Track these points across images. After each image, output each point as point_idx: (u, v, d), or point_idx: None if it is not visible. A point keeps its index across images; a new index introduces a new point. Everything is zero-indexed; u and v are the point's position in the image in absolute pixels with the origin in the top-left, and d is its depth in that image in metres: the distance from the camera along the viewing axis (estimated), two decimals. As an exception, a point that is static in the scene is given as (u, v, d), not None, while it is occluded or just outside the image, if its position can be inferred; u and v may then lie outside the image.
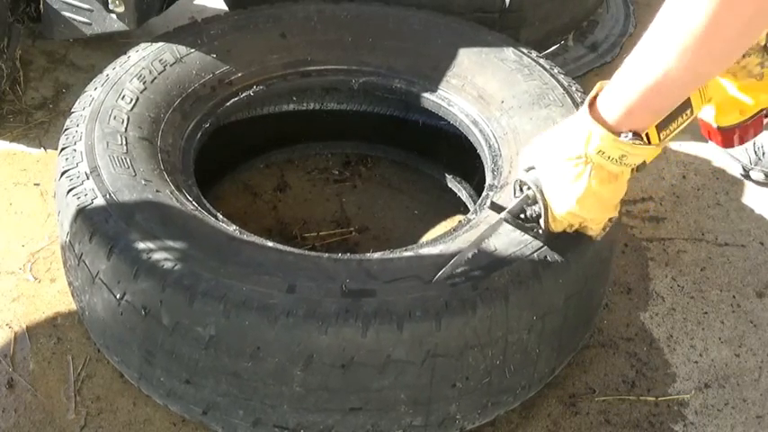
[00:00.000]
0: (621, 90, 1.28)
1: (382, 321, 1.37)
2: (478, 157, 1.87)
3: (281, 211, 2.19)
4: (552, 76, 1.89)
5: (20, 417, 1.68)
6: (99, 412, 1.69)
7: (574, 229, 1.45)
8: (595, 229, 1.46)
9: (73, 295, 1.69)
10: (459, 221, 1.67)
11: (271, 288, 1.39)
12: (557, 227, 1.44)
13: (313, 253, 1.53)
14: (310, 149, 2.31)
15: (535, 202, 1.45)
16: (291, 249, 1.51)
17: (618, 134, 1.29)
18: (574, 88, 1.88)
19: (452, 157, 2.16)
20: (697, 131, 2.57)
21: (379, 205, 2.23)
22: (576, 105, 1.80)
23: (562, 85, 1.85)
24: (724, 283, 2.08)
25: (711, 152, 2.44)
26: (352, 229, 2.15)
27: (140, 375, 1.54)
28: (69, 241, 1.55)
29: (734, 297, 2.04)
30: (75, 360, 1.77)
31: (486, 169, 1.80)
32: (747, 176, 2.38)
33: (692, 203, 2.32)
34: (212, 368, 1.43)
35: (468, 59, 1.96)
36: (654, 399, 1.79)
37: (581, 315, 1.62)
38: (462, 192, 2.14)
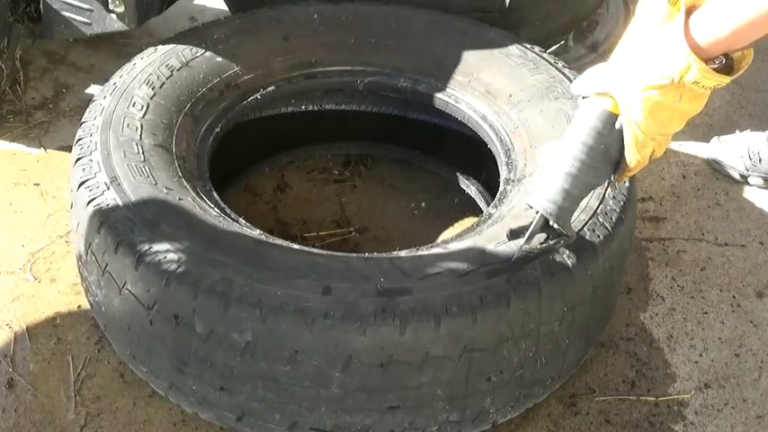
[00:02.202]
0: (726, 19, 1.20)
1: (420, 319, 1.37)
2: (489, 152, 1.88)
3: (282, 211, 2.19)
4: (558, 69, 1.90)
5: (20, 417, 1.66)
6: (99, 412, 1.68)
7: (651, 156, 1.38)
8: (663, 144, 1.38)
9: (92, 306, 1.66)
10: (481, 215, 1.68)
11: (306, 291, 1.38)
12: (639, 153, 1.36)
13: (342, 253, 1.52)
14: (316, 150, 2.31)
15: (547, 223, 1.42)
16: (320, 251, 1.51)
17: (709, 60, 1.23)
18: (580, 81, 1.89)
19: (460, 155, 2.17)
20: (697, 131, 2.59)
21: (379, 205, 2.23)
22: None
23: (569, 79, 1.86)
24: (724, 283, 2.09)
25: (711, 152, 2.45)
26: (352, 229, 2.15)
27: (170, 385, 1.52)
28: (92, 253, 1.52)
29: (734, 297, 2.05)
30: (75, 360, 1.76)
31: (499, 164, 1.81)
32: (746, 183, 2.39)
33: (692, 203, 2.33)
34: (248, 374, 1.42)
35: (472, 56, 1.97)
36: (654, 399, 1.80)
37: (605, 306, 1.65)
38: (471, 188, 2.15)
